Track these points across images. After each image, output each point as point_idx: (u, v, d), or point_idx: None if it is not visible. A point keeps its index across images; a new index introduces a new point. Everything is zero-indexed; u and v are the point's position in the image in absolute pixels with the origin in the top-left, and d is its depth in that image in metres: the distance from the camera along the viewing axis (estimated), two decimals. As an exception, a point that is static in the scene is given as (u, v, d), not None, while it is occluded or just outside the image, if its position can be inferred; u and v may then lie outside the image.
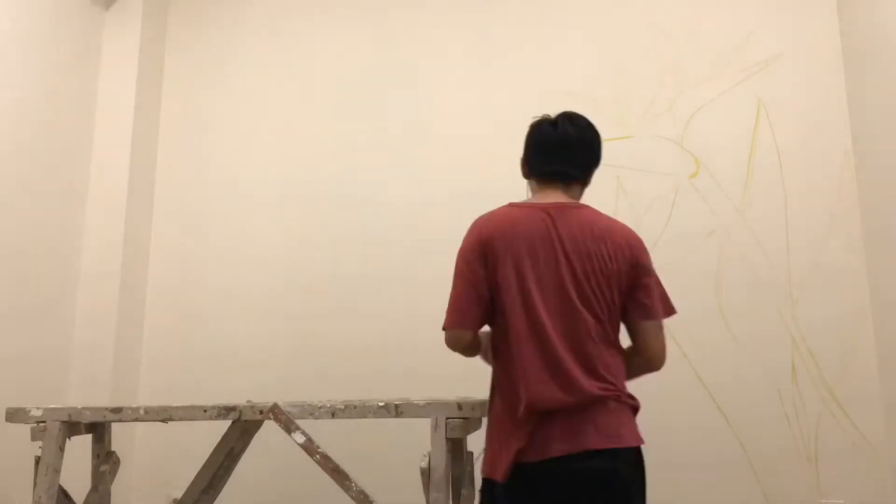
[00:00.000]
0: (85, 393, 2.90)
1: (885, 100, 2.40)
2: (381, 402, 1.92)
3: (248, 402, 2.08)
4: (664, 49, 2.84)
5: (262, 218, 3.17)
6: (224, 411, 1.97)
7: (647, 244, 2.68)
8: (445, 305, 2.88)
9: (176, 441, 2.99)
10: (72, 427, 2.02)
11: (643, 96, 2.82)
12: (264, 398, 2.34)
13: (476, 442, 2.15)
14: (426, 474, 1.83)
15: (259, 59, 3.32)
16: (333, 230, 3.06)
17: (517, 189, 2.87)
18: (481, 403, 1.87)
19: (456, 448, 1.97)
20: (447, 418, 1.83)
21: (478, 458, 1.82)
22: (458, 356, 2.84)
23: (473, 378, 2.78)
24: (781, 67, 2.72)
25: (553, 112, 3.02)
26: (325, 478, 1.97)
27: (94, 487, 2.12)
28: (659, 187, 2.75)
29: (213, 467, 2.14)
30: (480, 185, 2.93)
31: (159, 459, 3.03)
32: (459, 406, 1.85)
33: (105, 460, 2.15)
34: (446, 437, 1.81)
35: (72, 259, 3.01)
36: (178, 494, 2.52)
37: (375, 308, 2.95)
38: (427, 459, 1.83)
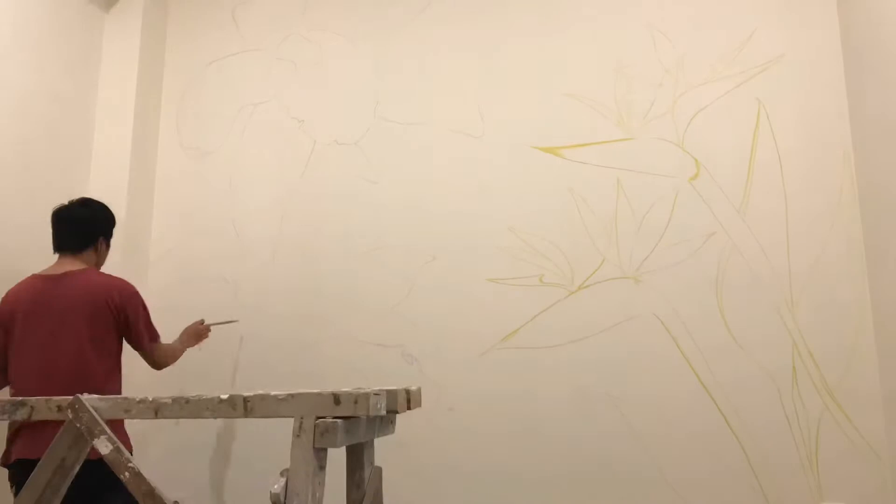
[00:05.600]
0: (85, 394, 2.90)
1: (885, 100, 2.40)
2: (225, 395, 1.46)
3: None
4: (664, 51, 2.84)
5: (262, 218, 3.17)
6: (12, 407, 1.57)
7: (648, 246, 2.73)
8: (444, 306, 2.89)
9: (174, 443, 2.99)
10: None
11: (643, 98, 2.82)
12: (264, 400, 2.34)
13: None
14: (279, 502, 1.28)
15: (259, 59, 3.32)
16: (333, 230, 3.06)
17: (514, 187, 2.89)
18: (375, 395, 1.36)
19: (355, 461, 1.49)
20: (317, 418, 1.29)
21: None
22: (458, 358, 2.84)
23: (474, 376, 2.78)
24: (782, 69, 2.72)
25: (555, 111, 3.02)
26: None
27: None
28: (659, 189, 2.75)
29: (38, 488, 1.57)
30: (479, 185, 2.94)
31: (159, 461, 3.03)
32: (337, 399, 1.29)
33: None
34: (314, 447, 1.26)
35: (71, 260, 3.01)
36: (178, 497, 2.52)
37: (375, 308, 2.95)
38: (283, 482, 1.28)
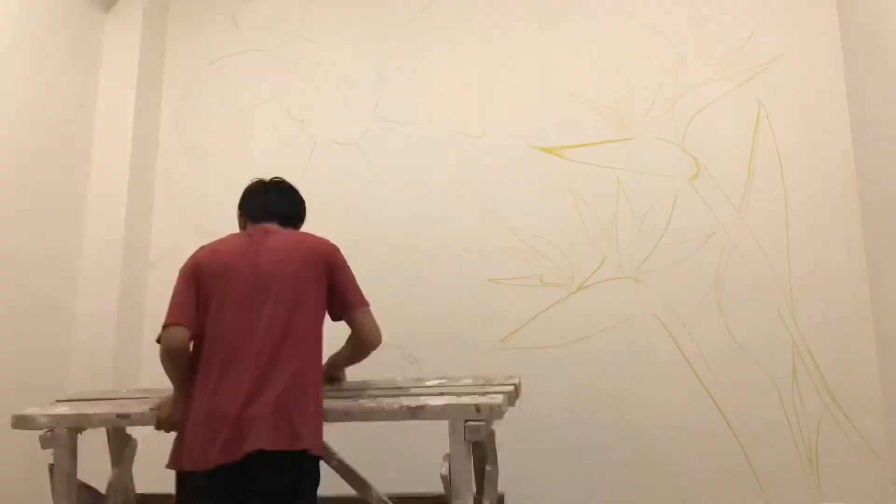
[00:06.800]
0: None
1: (885, 100, 2.40)
2: (398, 404, 1.86)
3: None
4: (665, 51, 2.84)
5: (261, 219, 3.17)
6: None
7: (648, 246, 2.73)
8: (444, 306, 2.88)
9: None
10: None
11: (644, 98, 2.82)
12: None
13: (503, 443, 2.16)
14: (447, 480, 1.78)
15: (259, 59, 3.31)
16: (333, 230, 3.05)
17: (514, 187, 2.88)
18: (499, 406, 1.82)
19: (476, 450, 1.93)
20: (466, 421, 1.76)
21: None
22: (458, 358, 2.83)
23: (470, 370, 2.78)
24: (782, 69, 2.72)
25: (555, 111, 3.01)
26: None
27: (115, 473, 2.11)
28: (659, 189, 2.75)
29: None
30: (479, 185, 2.94)
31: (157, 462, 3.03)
32: (477, 408, 1.78)
33: (125, 444, 2.14)
34: (465, 440, 1.76)
35: (72, 260, 3.01)
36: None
37: (375, 307, 2.94)
38: (447, 465, 1.78)
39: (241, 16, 3.39)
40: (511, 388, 1.94)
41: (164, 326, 1.86)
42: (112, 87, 3.22)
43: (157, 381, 3.14)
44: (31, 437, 2.00)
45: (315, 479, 1.79)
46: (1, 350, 2.63)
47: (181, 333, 1.84)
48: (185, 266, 1.94)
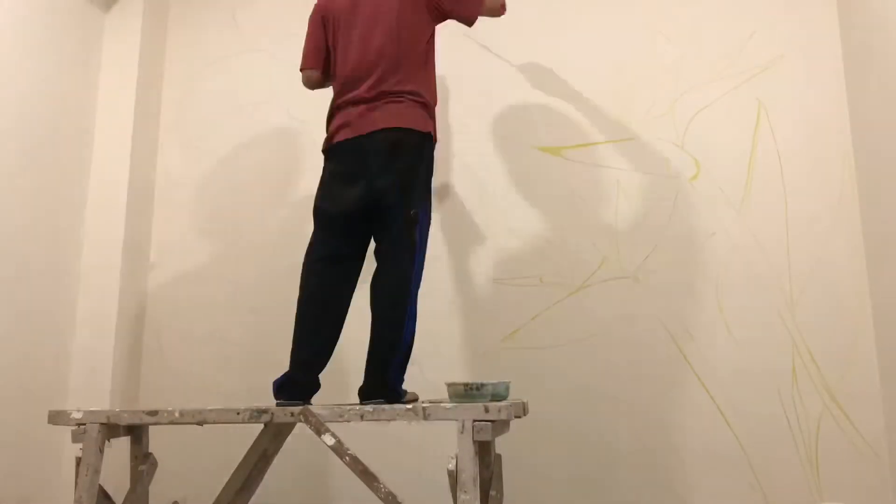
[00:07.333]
0: (85, 397, 2.89)
1: (885, 100, 2.40)
2: (409, 405, 1.94)
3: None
4: (664, 51, 2.84)
5: (262, 218, 3.17)
6: (256, 413, 2.00)
7: (648, 246, 2.73)
8: (444, 306, 2.89)
9: (177, 444, 2.99)
10: (111, 429, 2.08)
11: (643, 98, 2.82)
12: (265, 399, 2.34)
13: (504, 443, 2.17)
14: (454, 476, 1.84)
15: (259, 59, 3.31)
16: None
17: (515, 187, 2.88)
18: (508, 407, 1.91)
19: (483, 450, 1.99)
20: (474, 421, 1.82)
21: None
22: (458, 358, 2.84)
23: (474, 376, 2.78)
24: (782, 69, 2.72)
25: (555, 111, 2.97)
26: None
27: (133, 488, 2.18)
28: (659, 190, 2.75)
29: (247, 468, 2.18)
30: (479, 186, 2.94)
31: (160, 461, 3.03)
32: (486, 409, 1.84)
33: (143, 461, 2.22)
34: (473, 440, 1.81)
35: (71, 260, 3.01)
36: (178, 497, 2.53)
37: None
38: (454, 462, 1.84)
39: (241, 16, 3.39)
40: (523, 402, 2.11)
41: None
42: (112, 86, 3.22)
43: (157, 381, 3.15)
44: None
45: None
46: (0, 351, 2.63)
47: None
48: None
